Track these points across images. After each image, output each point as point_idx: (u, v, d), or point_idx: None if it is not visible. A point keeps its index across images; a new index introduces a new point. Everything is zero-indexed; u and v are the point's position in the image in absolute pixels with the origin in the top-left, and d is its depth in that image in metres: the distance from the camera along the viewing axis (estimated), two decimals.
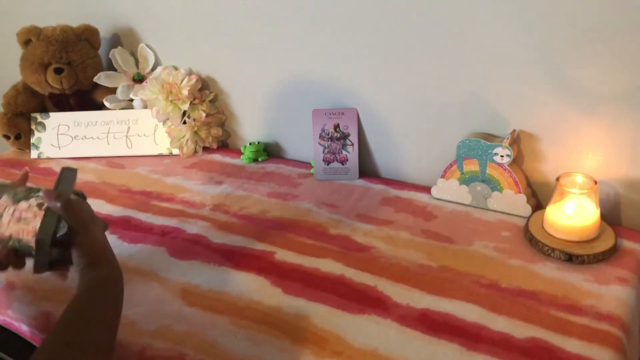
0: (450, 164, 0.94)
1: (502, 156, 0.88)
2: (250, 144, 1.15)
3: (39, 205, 0.64)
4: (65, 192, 0.65)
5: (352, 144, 1.04)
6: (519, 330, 0.67)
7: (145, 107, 1.19)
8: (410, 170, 1.04)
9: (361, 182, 1.04)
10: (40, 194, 0.65)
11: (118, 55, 1.21)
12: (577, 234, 0.80)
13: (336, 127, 1.04)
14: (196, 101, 1.14)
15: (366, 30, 0.94)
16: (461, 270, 0.78)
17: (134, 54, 1.23)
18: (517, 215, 0.90)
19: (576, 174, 0.83)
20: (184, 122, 1.15)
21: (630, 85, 0.79)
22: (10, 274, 0.79)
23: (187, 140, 1.16)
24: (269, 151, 1.18)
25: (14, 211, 0.64)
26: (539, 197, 0.94)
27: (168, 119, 1.14)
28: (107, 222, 0.70)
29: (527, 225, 0.85)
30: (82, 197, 0.72)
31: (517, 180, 0.88)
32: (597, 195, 0.81)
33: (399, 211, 0.93)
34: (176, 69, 1.17)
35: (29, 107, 1.21)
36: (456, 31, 0.87)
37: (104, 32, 1.23)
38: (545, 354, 0.64)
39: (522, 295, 0.73)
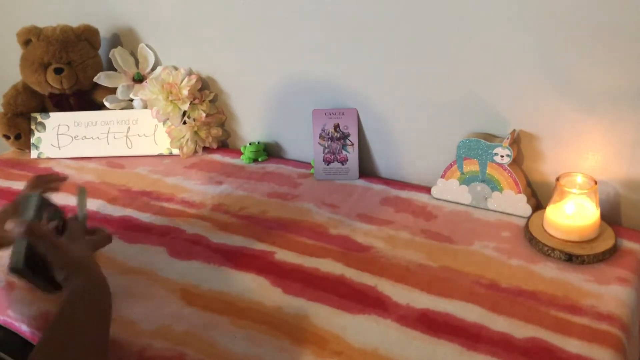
0: (450, 164, 0.94)
1: (502, 156, 0.88)
2: (250, 144, 1.15)
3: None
4: (26, 219, 0.67)
5: (352, 144, 1.04)
6: (519, 330, 0.67)
7: (145, 107, 1.19)
8: (410, 170, 1.04)
9: (361, 182, 1.04)
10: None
11: (118, 55, 1.21)
12: (577, 234, 0.80)
13: (336, 127, 1.04)
14: (196, 101, 1.14)
15: (366, 30, 0.94)
16: (461, 270, 0.78)
17: (134, 54, 1.23)
18: (517, 215, 0.90)
19: (576, 174, 0.83)
20: (184, 122, 1.15)
21: (630, 86, 0.79)
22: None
23: (187, 140, 1.16)
24: (269, 151, 1.18)
25: None
26: (539, 197, 0.94)
27: (168, 119, 1.14)
28: (108, 233, 0.74)
29: (527, 225, 0.85)
30: (82, 192, 0.77)
31: (517, 180, 0.88)
32: (597, 195, 0.81)
33: (399, 211, 0.93)
34: (176, 69, 1.17)
35: (29, 107, 1.21)
36: (456, 31, 0.87)
37: (104, 32, 1.23)
38: (545, 354, 0.64)
39: (522, 295, 0.73)
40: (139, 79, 1.22)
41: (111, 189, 1.05)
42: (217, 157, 1.17)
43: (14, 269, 0.62)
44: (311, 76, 1.04)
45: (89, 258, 0.68)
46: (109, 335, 0.62)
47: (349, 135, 1.04)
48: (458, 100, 0.92)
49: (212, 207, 0.97)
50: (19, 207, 0.71)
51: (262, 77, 1.10)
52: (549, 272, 0.77)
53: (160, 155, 1.18)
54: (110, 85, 1.20)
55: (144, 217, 0.95)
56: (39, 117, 1.20)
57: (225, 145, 1.24)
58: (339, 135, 1.04)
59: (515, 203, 0.90)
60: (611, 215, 0.88)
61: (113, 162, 1.17)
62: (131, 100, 1.21)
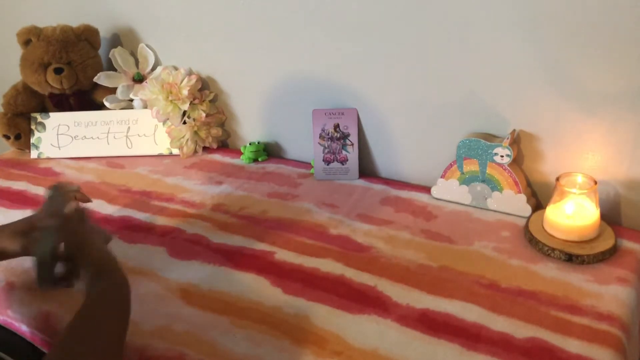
0: (450, 164, 0.94)
1: (502, 156, 0.88)
2: (250, 144, 1.15)
3: None
4: (59, 211, 0.66)
5: (352, 144, 1.04)
6: (519, 330, 0.67)
7: (145, 107, 1.19)
8: (410, 170, 1.04)
9: (361, 182, 1.04)
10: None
11: (118, 55, 1.21)
12: (577, 234, 0.80)
13: (336, 127, 1.04)
14: (196, 101, 1.14)
15: (366, 30, 0.94)
16: (461, 270, 0.78)
17: (134, 54, 1.23)
18: (517, 215, 0.90)
19: (576, 174, 0.83)
20: (184, 122, 1.15)
21: (630, 86, 0.79)
22: (9, 273, 0.80)
23: (187, 140, 1.16)
24: (269, 151, 1.18)
25: None
26: (539, 197, 0.94)
27: (168, 119, 1.14)
28: (109, 234, 0.74)
29: (527, 225, 0.85)
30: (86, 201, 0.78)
31: (517, 180, 0.88)
32: (597, 195, 0.81)
33: (399, 211, 0.93)
34: (176, 69, 1.17)
35: (29, 107, 1.21)
36: (456, 31, 0.87)
37: (104, 32, 1.23)
38: (545, 354, 0.64)
39: (522, 295, 0.73)
40: (139, 79, 1.22)
41: (111, 189, 1.05)
42: (217, 157, 1.17)
43: (39, 259, 0.63)
44: (311, 76, 1.04)
45: (114, 258, 0.68)
46: (124, 341, 0.61)
47: (349, 135, 1.04)
48: (458, 100, 0.92)
49: (212, 207, 0.97)
50: (46, 204, 0.72)
51: (262, 77, 1.10)
52: (549, 272, 0.77)
53: (160, 155, 1.18)
54: (110, 85, 1.20)
55: (144, 217, 0.95)
56: (39, 117, 1.20)
57: (225, 145, 1.24)
58: (339, 135, 1.04)
59: (515, 203, 0.90)
60: (611, 215, 0.88)
61: (113, 162, 1.17)
62: (131, 100, 1.21)
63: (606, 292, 0.73)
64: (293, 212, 0.94)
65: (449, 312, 0.70)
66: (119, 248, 0.85)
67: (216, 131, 1.18)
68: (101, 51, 1.22)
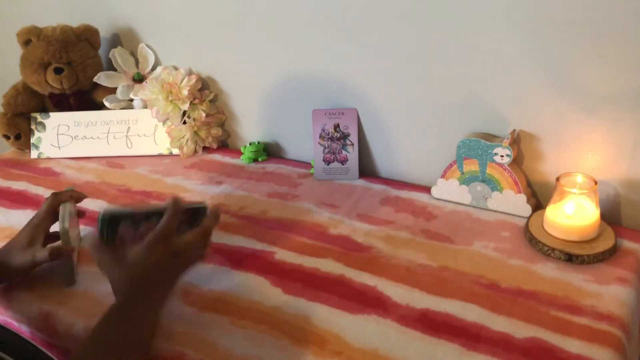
0: (450, 164, 0.94)
1: (502, 156, 0.88)
2: (250, 144, 1.15)
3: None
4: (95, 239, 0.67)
5: (352, 144, 1.04)
6: (519, 330, 0.67)
7: (145, 107, 1.19)
8: (410, 170, 1.04)
9: (361, 182, 1.04)
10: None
11: (118, 55, 1.21)
12: (577, 234, 0.80)
13: (336, 127, 1.04)
14: (196, 101, 1.14)
15: (366, 30, 0.94)
16: (461, 270, 0.78)
17: (134, 54, 1.23)
18: (517, 215, 0.90)
19: (576, 174, 0.83)
20: (184, 122, 1.15)
21: (630, 86, 0.79)
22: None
23: (187, 140, 1.16)
24: (269, 151, 1.18)
25: None
26: (539, 197, 0.94)
27: (168, 119, 1.14)
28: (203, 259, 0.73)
29: (527, 225, 0.85)
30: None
31: (517, 180, 0.88)
32: (597, 195, 0.81)
33: (399, 211, 0.93)
34: (176, 69, 1.17)
35: (29, 107, 1.21)
36: (456, 31, 0.87)
37: (104, 32, 1.23)
38: (545, 354, 0.64)
39: (522, 295, 0.73)
40: (139, 79, 1.22)
41: (111, 189, 1.05)
42: (217, 157, 1.17)
43: (106, 212, 0.65)
44: (311, 76, 1.04)
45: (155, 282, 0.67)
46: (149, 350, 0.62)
47: (349, 135, 1.04)
48: (458, 100, 0.92)
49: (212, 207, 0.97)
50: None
51: (262, 77, 1.10)
52: (549, 272, 0.77)
53: (160, 155, 1.18)
54: (110, 85, 1.20)
55: None
56: (39, 117, 1.20)
57: (225, 145, 1.24)
58: (339, 135, 1.04)
59: (515, 203, 0.90)
60: (611, 215, 0.88)
61: (113, 162, 1.17)
62: (131, 100, 1.21)
63: (606, 292, 0.73)
64: (293, 212, 0.94)
65: (449, 312, 0.70)
66: None
67: (216, 131, 1.18)
68: (101, 51, 1.22)
